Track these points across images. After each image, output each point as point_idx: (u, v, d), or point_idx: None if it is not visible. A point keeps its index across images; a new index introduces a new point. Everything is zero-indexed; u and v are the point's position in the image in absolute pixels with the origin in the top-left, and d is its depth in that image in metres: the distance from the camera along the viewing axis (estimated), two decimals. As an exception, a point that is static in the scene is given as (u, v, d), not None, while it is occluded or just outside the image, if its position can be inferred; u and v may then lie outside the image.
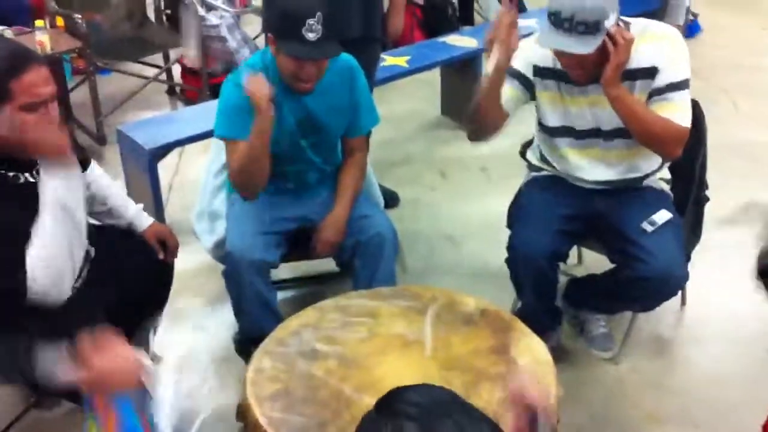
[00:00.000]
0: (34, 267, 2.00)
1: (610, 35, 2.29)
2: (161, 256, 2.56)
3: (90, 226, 2.40)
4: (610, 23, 2.28)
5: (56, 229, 2.05)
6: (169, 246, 2.58)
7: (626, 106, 2.37)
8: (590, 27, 2.24)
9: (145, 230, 2.55)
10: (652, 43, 2.41)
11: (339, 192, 2.75)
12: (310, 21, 2.40)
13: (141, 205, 2.61)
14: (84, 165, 2.44)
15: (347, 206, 2.72)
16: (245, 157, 2.48)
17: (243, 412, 1.94)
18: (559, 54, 2.39)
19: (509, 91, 2.56)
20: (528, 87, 2.58)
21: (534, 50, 2.52)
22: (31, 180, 2.09)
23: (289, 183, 2.77)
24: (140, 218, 2.57)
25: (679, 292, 2.86)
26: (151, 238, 2.55)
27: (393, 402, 1.25)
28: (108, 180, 2.56)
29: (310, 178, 2.79)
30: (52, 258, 2.03)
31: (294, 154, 2.69)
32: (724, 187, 3.19)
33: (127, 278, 2.42)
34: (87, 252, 2.30)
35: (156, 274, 2.56)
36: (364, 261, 2.67)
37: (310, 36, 2.42)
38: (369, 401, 1.87)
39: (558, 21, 2.27)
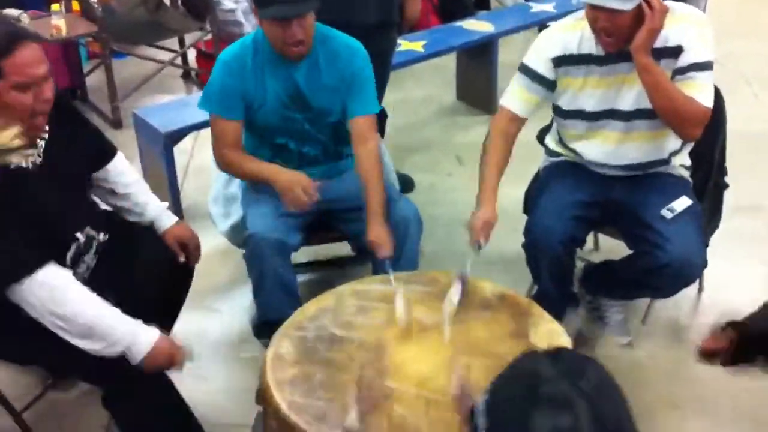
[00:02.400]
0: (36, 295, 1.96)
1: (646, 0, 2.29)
2: (182, 259, 2.43)
3: (104, 212, 2.37)
4: None
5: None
6: (190, 248, 2.46)
7: (653, 76, 2.35)
8: None
9: (166, 231, 2.42)
10: (678, 23, 2.40)
11: (368, 195, 2.59)
12: None
13: (165, 204, 2.49)
14: (108, 157, 2.38)
15: (381, 205, 2.59)
16: (241, 171, 2.66)
17: (263, 396, 1.95)
18: (594, 17, 2.35)
19: (528, 95, 2.58)
20: (547, 85, 2.57)
21: (552, 43, 2.52)
22: (23, 165, 2.01)
23: (292, 157, 2.73)
24: (163, 217, 2.44)
25: (697, 279, 2.86)
26: (172, 239, 2.42)
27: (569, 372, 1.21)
28: (131, 177, 2.43)
29: (311, 151, 2.75)
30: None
31: (289, 126, 2.67)
32: (743, 174, 3.17)
33: (143, 276, 2.34)
34: (94, 237, 2.23)
35: (174, 276, 2.45)
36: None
37: None
38: (389, 386, 1.89)
39: None
